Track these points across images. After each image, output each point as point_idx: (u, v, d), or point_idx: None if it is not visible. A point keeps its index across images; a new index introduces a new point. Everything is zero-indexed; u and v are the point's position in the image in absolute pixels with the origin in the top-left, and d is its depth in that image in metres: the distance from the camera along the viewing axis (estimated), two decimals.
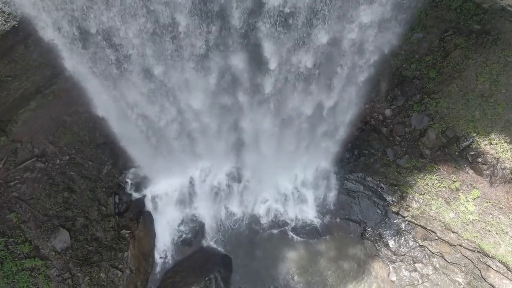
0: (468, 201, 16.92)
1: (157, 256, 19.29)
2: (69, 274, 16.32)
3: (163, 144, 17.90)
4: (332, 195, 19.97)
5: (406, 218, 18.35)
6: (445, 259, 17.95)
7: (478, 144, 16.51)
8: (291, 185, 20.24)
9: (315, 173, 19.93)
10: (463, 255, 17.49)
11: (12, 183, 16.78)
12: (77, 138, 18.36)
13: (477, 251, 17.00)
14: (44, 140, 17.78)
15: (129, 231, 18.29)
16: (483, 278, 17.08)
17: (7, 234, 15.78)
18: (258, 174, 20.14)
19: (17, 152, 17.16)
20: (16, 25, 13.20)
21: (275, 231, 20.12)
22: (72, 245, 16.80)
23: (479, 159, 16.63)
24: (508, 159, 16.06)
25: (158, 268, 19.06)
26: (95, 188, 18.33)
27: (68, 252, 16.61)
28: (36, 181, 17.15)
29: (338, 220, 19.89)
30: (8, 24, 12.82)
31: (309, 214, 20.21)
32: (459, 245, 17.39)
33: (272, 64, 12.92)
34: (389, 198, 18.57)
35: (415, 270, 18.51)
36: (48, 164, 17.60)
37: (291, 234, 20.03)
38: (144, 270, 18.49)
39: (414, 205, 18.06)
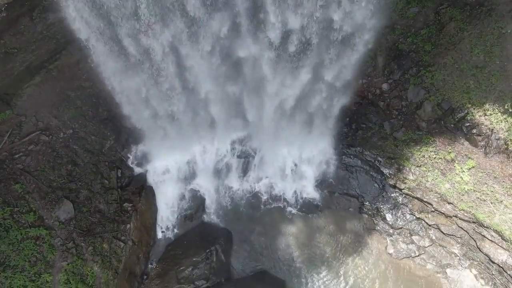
0: (463, 171, 17.26)
1: (159, 229, 19.65)
2: (73, 243, 16.62)
3: (166, 119, 18.24)
4: (330, 170, 20.29)
5: (403, 190, 18.68)
6: (442, 231, 18.28)
7: (473, 115, 16.86)
8: (290, 160, 20.55)
9: (314, 149, 20.26)
10: (459, 226, 17.81)
11: (16, 156, 17.15)
12: (80, 112, 18.73)
13: (473, 222, 17.32)
14: (48, 114, 18.15)
15: (132, 205, 18.62)
16: (479, 248, 17.41)
17: (12, 204, 16.13)
18: (259, 150, 20.50)
19: (21, 125, 17.55)
20: None
21: (274, 206, 20.46)
22: (76, 216, 17.12)
23: (474, 130, 16.98)
24: (502, 129, 16.40)
25: (160, 241, 19.40)
26: (98, 162, 18.67)
27: (72, 223, 16.92)
28: (40, 154, 17.51)
29: (336, 195, 20.21)
30: None
31: (308, 189, 20.55)
32: (455, 216, 17.71)
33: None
34: (386, 171, 18.90)
35: (412, 242, 18.85)
36: (52, 137, 17.96)
37: (290, 209, 20.38)
38: (146, 243, 18.84)
39: (411, 177, 18.40)
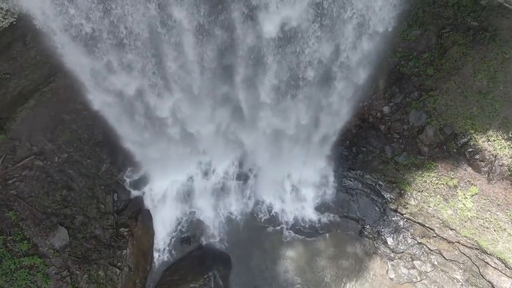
0: (466, 198, 16.95)
1: (156, 254, 19.27)
2: (68, 272, 16.32)
3: (161, 140, 17.90)
4: (330, 193, 19.98)
5: (404, 215, 18.38)
6: (444, 256, 17.97)
7: (476, 141, 16.52)
8: (289, 183, 20.24)
9: (314, 171, 19.95)
10: (461, 252, 17.51)
11: (10, 181, 16.80)
12: (75, 136, 18.37)
13: (475, 248, 17.03)
14: (43, 138, 17.79)
15: (128, 229, 18.29)
16: (481, 275, 17.10)
17: (6, 232, 15.81)
18: (257, 172, 20.19)
19: (15, 150, 17.19)
20: (14, 22, 13.25)
21: (273, 229, 20.09)
22: (71, 243, 16.81)
23: (477, 156, 16.64)
24: (506, 155, 16.08)
25: (157, 266, 19.03)
26: (94, 186, 18.33)
27: (66, 250, 16.62)
28: (35, 179, 17.17)
29: (336, 218, 19.88)
30: (6, 21, 12.86)
31: (308, 212, 20.20)
32: (458, 242, 17.41)
33: None
34: (387, 196, 18.59)
35: (414, 267, 18.53)
36: (46, 162, 17.61)
37: (289, 232, 20.00)
38: (143, 268, 18.50)
39: (412, 202, 18.09)
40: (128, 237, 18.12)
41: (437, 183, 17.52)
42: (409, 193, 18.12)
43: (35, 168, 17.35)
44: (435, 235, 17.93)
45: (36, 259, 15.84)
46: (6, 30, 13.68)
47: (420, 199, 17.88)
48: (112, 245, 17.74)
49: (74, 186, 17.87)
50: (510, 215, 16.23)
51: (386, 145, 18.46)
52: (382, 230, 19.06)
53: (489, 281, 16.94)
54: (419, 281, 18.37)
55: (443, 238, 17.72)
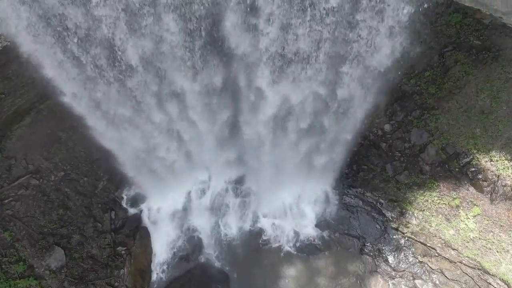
0: (469, 218, 16.71)
1: (154, 272, 18.96)
2: None
3: (158, 157, 17.66)
4: (331, 210, 19.70)
5: (405, 234, 18.12)
6: (445, 276, 17.71)
7: (479, 161, 16.28)
8: (289, 200, 19.97)
9: (314, 188, 19.69)
10: (463, 272, 17.26)
11: (6, 201, 16.63)
12: (72, 153, 18.16)
13: (478, 269, 16.77)
14: (39, 156, 17.58)
15: (126, 248, 18.06)
16: None
17: (1, 253, 15.64)
18: (257, 189, 19.93)
19: (11, 169, 16.99)
20: (9, 45, 13.03)
21: (273, 246, 19.77)
22: (67, 264, 16.61)
23: (480, 176, 16.40)
24: (509, 176, 15.83)
25: (155, 285, 18.73)
26: (91, 204, 18.11)
27: (63, 271, 16.44)
28: (31, 198, 16.98)
29: (337, 235, 19.60)
30: (0, 45, 12.66)
31: (308, 229, 19.91)
32: (460, 262, 17.16)
33: None
34: (388, 214, 18.34)
35: (415, 286, 18.25)
36: (42, 180, 17.40)
37: (289, 249, 19.68)
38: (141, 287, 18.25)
39: (414, 221, 17.84)
40: (126, 256, 17.88)
41: (439, 202, 17.28)
42: (410, 212, 17.87)
43: (31, 187, 17.15)
44: (436, 254, 17.67)
45: (32, 280, 15.66)
46: (1, 53, 13.48)
47: (422, 218, 17.64)
48: (110, 265, 17.49)
49: (71, 205, 17.65)
50: None
51: (387, 164, 18.18)
52: (383, 248, 18.79)
53: None
54: None
55: (445, 257, 17.46)
